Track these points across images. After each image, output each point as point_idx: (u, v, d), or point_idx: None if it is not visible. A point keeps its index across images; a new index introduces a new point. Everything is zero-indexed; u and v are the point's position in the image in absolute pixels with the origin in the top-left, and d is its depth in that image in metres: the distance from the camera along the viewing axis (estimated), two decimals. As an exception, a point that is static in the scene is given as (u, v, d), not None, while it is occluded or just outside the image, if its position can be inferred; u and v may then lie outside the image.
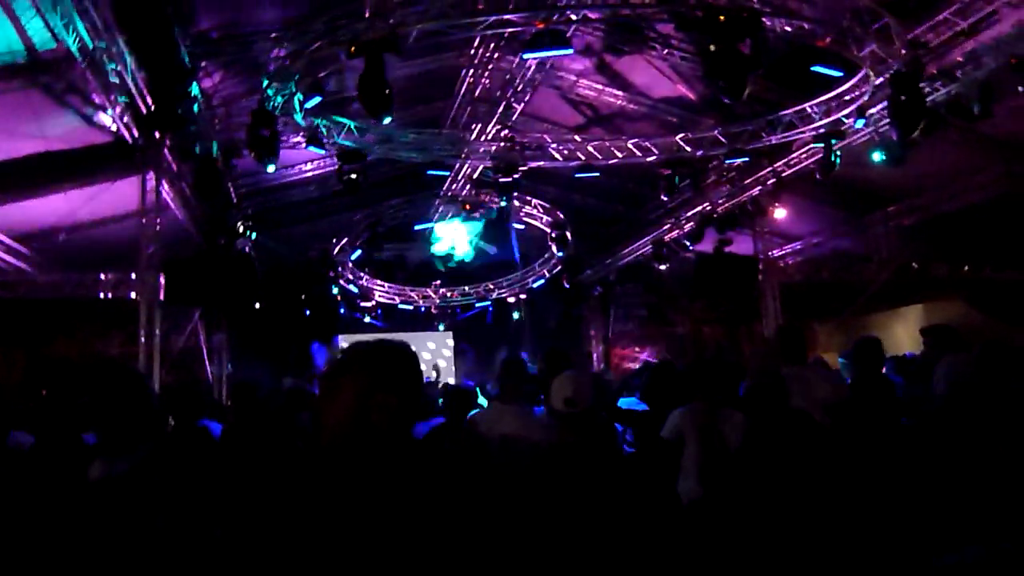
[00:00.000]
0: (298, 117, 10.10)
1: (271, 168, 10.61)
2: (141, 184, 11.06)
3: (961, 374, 3.35)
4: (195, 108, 8.88)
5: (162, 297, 11.24)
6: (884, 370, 5.22)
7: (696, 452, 3.85)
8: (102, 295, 11.93)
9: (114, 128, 9.38)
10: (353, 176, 11.29)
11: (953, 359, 3.52)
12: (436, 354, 21.83)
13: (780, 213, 13.70)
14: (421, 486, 1.78)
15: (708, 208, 14.47)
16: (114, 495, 2.08)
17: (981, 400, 3.17)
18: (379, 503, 1.69)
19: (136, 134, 9.55)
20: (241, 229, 12.75)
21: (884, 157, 10.44)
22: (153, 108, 7.84)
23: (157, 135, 9.67)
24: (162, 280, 11.22)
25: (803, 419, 3.51)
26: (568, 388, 3.31)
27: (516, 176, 12.39)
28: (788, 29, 8.13)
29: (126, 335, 12.98)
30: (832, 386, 4.31)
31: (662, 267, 16.85)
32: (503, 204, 14.45)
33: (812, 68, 8.70)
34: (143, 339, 11.11)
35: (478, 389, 8.23)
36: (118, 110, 8.90)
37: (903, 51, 8.35)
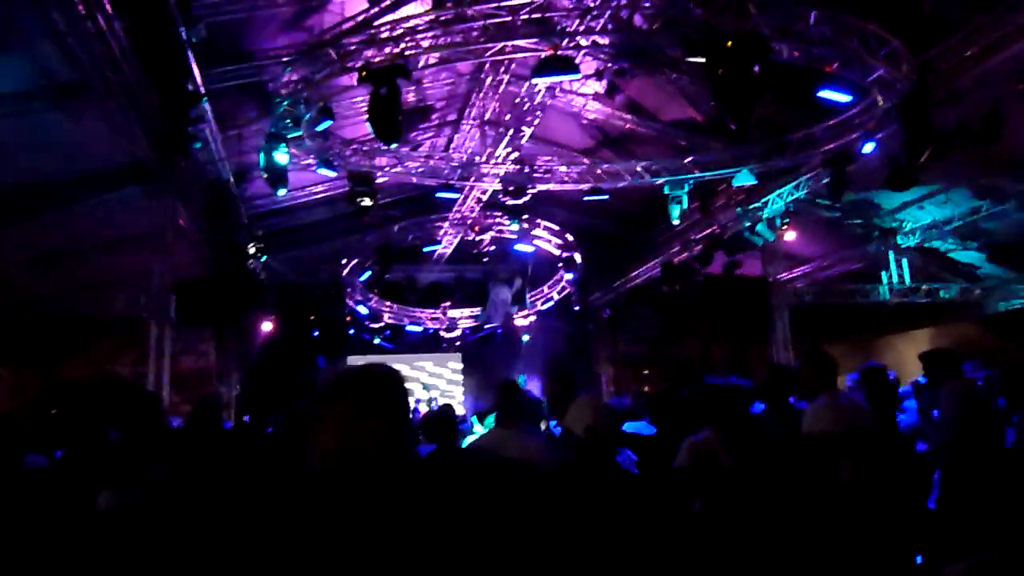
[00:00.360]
0: (308, 140, 10.21)
1: (282, 192, 10.70)
2: (154, 206, 11.19)
3: (961, 402, 3.34)
4: (206, 131, 9.00)
5: (173, 317, 11.32)
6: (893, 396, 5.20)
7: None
8: (114, 315, 12.02)
9: (128, 150, 9.52)
10: (366, 201, 11.37)
11: (954, 386, 3.51)
12: (444, 376, 21.84)
13: (790, 235, 13.66)
14: (414, 511, 1.78)
15: (717, 230, 14.47)
16: (125, 526, 2.09)
17: (985, 427, 3.16)
18: (371, 529, 1.70)
19: (149, 156, 9.68)
20: (252, 250, 12.82)
21: (891, 180, 10.42)
22: (167, 131, 7.93)
23: (170, 157, 9.78)
24: (173, 301, 11.30)
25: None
26: (589, 415, 3.31)
27: (525, 199, 12.44)
28: (796, 54, 8.18)
29: (137, 355, 13.05)
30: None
31: (671, 289, 16.82)
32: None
33: (819, 92, 8.72)
34: (153, 359, 11.18)
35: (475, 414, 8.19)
36: (132, 132, 9.02)
37: (911, 76, 8.37)
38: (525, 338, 21.17)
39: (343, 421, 1.80)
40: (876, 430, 3.88)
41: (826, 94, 8.79)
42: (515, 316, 20.28)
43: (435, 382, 21.40)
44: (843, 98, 9.23)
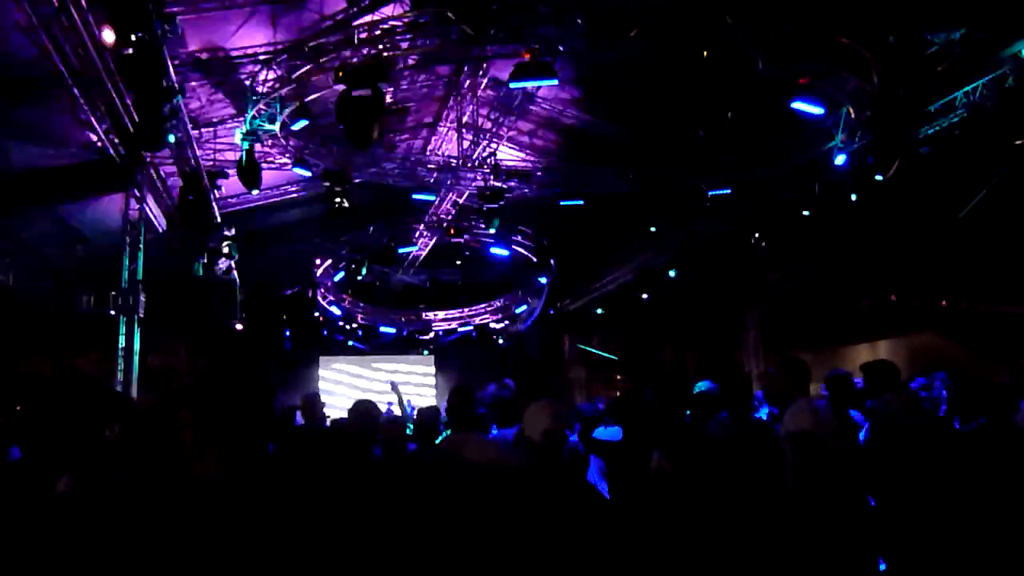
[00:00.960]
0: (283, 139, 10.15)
1: (255, 191, 10.63)
2: (124, 202, 11.05)
3: (888, 414, 3.42)
4: (180, 128, 8.91)
5: (142, 314, 11.17)
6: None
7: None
8: (82, 311, 11.84)
9: (99, 145, 9.40)
10: (344, 202, 11.32)
11: (888, 399, 3.59)
12: (418, 377, 21.80)
13: (762, 242, 13.78)
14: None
15: (689, 237, 14.59)
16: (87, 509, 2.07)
17: (908, 441, 3.23)
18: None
19: (121, 152, 9.57)
20: (224, 249, 12.69)
21: (863, 191, 10.59)
22: (137, 127, 7.84)
23: (141, 153, 9.68)
24: (143, 298, 11.15)
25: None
26: (547, 419, 3.25)
27: (501, 203, 12.46)
28: (773, 66, 8.28)
29: (103, 352, 12.85)
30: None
31: (644, 295, 16.95)
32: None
33: (792, 104, 8.85)
34: (121, 356, 11.03)
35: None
36: (103, 128, 8.91)
37: (884, 90, 8.51)
38: (500, 341, 21.19)
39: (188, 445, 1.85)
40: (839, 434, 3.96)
41: (799, 106, 8.92)
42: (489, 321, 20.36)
43: (408, 383, 21.35)
44: (815, 110, 9.37)
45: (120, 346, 11.11)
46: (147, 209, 11.32)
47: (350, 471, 3.60)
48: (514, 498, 2.93)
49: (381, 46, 7.77)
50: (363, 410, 4.69)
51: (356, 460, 4.19)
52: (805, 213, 11.78)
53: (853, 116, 9.36)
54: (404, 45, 7.82)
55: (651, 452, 3.98)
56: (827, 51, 8.15)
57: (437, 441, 5.21)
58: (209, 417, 1.84)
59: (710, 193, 12.81)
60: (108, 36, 6.52)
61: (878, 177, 9.09)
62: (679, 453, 3.24)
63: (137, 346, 11.22)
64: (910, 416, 3.50)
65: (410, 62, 8.42)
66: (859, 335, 16.51)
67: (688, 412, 5.06)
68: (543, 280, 18.39)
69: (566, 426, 3.26)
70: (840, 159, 10.14)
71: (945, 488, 3.04)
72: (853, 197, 10.49)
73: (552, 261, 17.54)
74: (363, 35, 7.69)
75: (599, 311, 19.92)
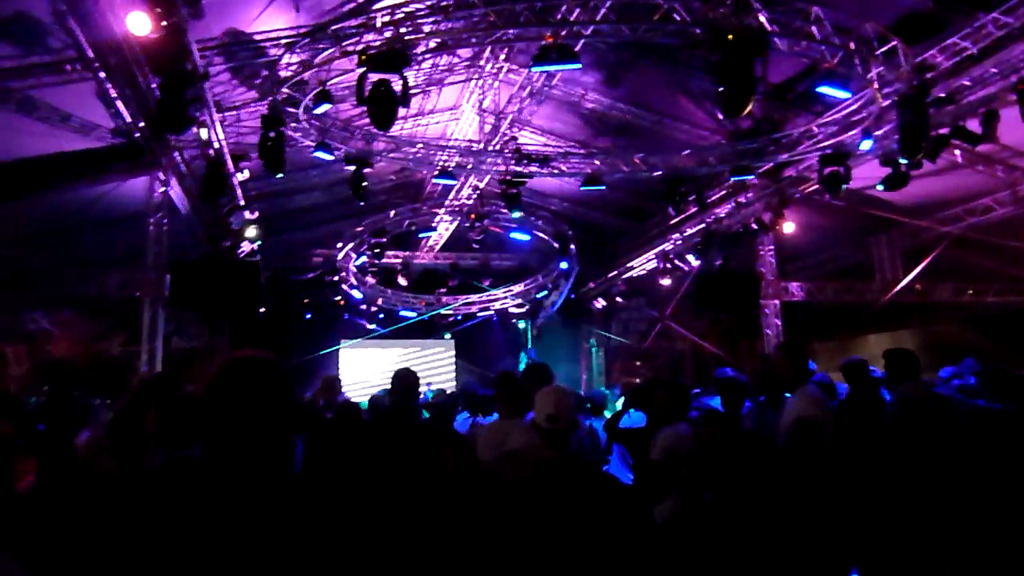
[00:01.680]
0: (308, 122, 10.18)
1: (278, 174, 10.65)
2: (149, 185, 11.17)
3: (909, 403, 3.40)
4: (204, 111, 8.96)
5: (166, 297, 11.30)
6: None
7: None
8: (107, 295, 12.00)
9: (124, 129, 9.48)
10: (364, 183, 11.35)
11: (905, 388, 3.57)
12: (438, 361, 21.89)
13: (788, 227, 13.63)
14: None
15: (712, 224, 14.49)
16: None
17: (928, 427, 3.21)
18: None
19: (146, 135, 9.64)
20: (248, 232, 12.78)
21: (888, 178, 10.45)
22: (161, 110, 7.89)
23: (165, 136, 9.75)
24: (167, 281, 11.28)
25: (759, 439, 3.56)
26: (550, 404, 3.25)
27: (522, 187, 12.43)
28: (796, 50, 8.19)
29: (128, 335, 13.03)
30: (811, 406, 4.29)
31: (664, 282, 16.88)
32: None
33: (818, 88, 8.74)
34: (146, 339, 11.17)
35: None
36: (128, 111, 8.98)
37: (910, 74, 8.38)
38: (521, 326, 21.24)
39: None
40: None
41: (825, 90, 8.80)
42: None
43: (427, 367, 21.46)
44: (842, 95, 9.25)
45: (144, 328, 11.26)
46: (171, 192, 11.42)
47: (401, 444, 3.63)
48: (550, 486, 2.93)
49: (403, 29, 7.75)
50: (403, 375, 4.78)
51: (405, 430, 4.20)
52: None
53: (880, 101, 9.22)
54: (427, 28, 7.80)
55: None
56: (852, 34, 8.05)
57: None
58: (230, 408, 1.84)
59: (732, 179, 12.73)
60: (134, 21, 6.55)
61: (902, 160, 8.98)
62: (713, 440, 3.23)
63: (161, 328, 11.36)
64: (933, 403, 3.48)
65: (432, 45, 8.38)
66: (879, 325, 16.35)
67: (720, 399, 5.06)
68: (564, 266, 18.35)
69: (570, 410, 3.24)
70: (866, 144, 10.00)
71: (978, 471, 3.01)
72: (879, 188, 10.36)
73: (572, 247, 17.49)
74: (385, 18, 7.67)
75: (619, 297, 19.86)
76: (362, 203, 12.39)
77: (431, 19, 7.71)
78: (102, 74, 7.92)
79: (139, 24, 6.49)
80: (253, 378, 1.87)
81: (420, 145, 12.54)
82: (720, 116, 10.92)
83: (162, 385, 4.29)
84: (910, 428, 3.34)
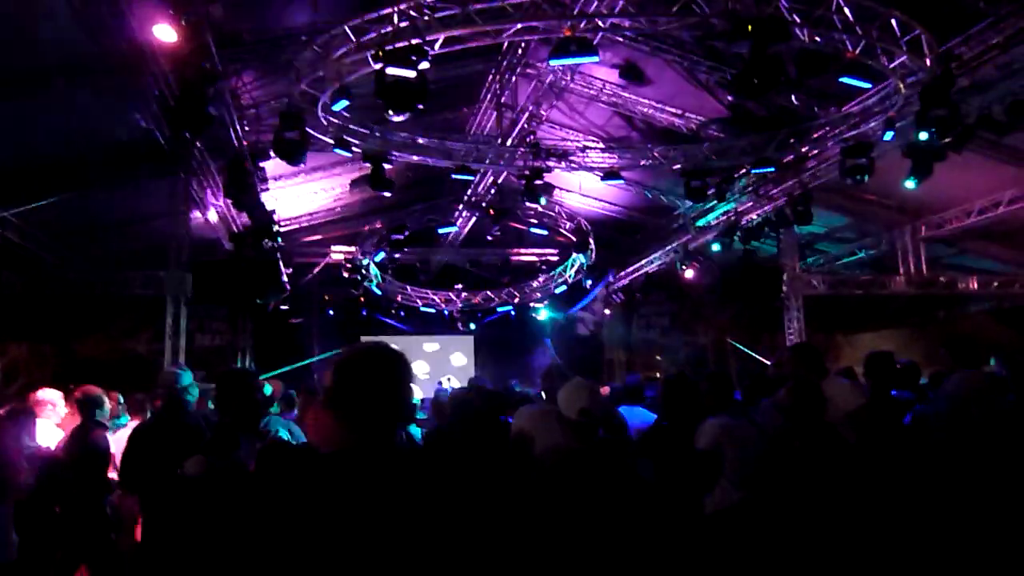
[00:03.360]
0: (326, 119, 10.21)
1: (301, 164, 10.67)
2: (171, 184, 11.26)
3: (965, 395, 3.33)
4: (223, 110, 9.02)
5: (190, 295, 11.42)
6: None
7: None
8: (132, 293, 12.13)
9: (146, 129, 9.55)
10: (384, 178, 11.37)
11: (962, 376, 3.50)
12: (458, 357, 21.96)
13: (807, 221, 13.50)
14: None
15: (734, 217, 14.39)
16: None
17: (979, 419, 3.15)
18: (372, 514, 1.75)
19: (167, 135, 9.72)
20: (269, 230, 12.87)
21: (912, 170, 10.30)
22: (182, 109, 7.94)
23: (187, 135, 9.81)
24: (190, 279, 11.40)
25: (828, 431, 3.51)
26: (584, 398, 3.24)
27: (541, 182, 12.41)
28: (818, 39, 8.09)
29: (153, 333, 13.16)
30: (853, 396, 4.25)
31: (686, 275, 16.79)
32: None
33: (841, 79, 8.62)
34: (169, 336, 11.29)
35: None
36: (150, 112, 9.05)
37: (934, 64, 8.26)
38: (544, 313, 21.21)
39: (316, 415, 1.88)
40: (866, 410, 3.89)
41: (847, 80, 8.68)
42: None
43: (447, 362, 21.53)
44: (864, 85, 9.13)
45: (168, 326, 11.38)
46: (193, 191, 11.52)
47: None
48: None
49: (421, 24, 7.74)
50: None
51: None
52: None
53: (903, 90, 9.10)
54: (444, 22, 7.79)
55: (694, 435, 3.95)
56: (876, 23, 7.94)
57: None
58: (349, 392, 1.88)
59: (753, 172, 12.62)
60: (156, 23, 6.60)
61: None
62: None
63: (184, 326, 11.48)
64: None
65: (452, 35, 8.35)
66: (908, 317, 16.18)
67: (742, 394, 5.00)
68: (583, 260, 18.31)
69: (602, 405, 3.26)
70: (889, 135, 9.87)
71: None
72: (911, 184, 10.21)
73: (591, 241, 17.44)
74: (403, 8, 7.65)
75: (640, 292, 19.80)
76: (387, 196, 12.37)
77: (448, 12, 7.70)
78: (123, 72, 7.96)
79: (161, 28, 6.54)
80: (384, 365, 1.92)
81: (438, 141, 12.53)
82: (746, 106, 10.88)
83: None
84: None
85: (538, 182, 12.19)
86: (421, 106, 7.81)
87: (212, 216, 12.40)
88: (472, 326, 21.26)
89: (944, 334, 15.01)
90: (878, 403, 4.25)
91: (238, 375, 4.35)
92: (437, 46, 8.05)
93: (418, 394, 15.99)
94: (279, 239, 13.39)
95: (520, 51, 11.23)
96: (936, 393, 5.24)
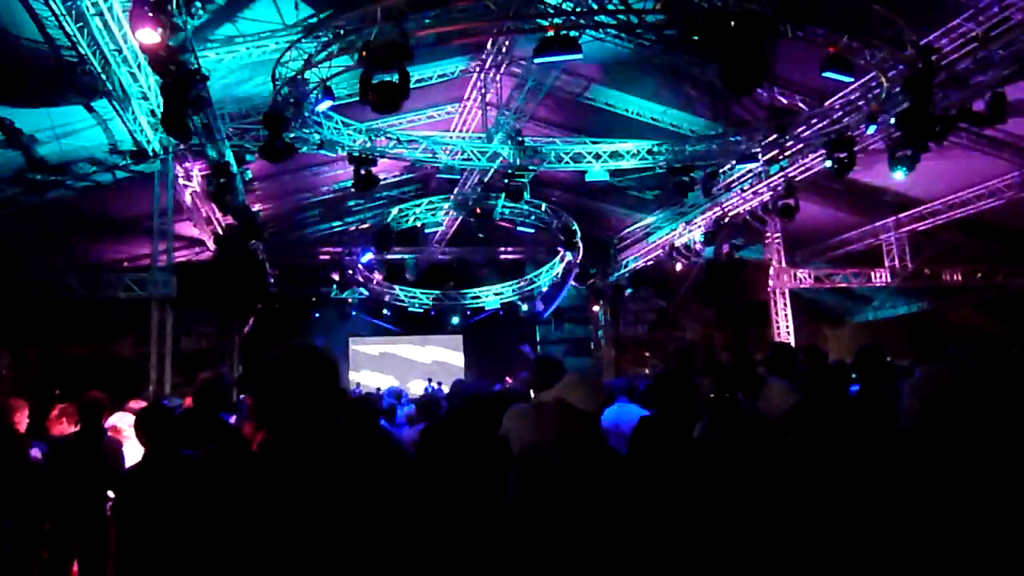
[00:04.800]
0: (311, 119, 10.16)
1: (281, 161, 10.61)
2: (155, 187, 11.18)
3: (934, 391, 3.37)
4: (207, 112, 8.96)
5: (174, 298, 11.33)
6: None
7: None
8: (116, 296, 12.04)
9: (129, 132, 9.49)
10: (367, 175, 11.32)
11: (927, 370, 3.54)
12: (447, 356, 21.92)
13: (792, 216, 13.57)
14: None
15: (719, 213, 14.44)
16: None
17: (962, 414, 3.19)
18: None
19: (150, 138, 9.66)
20: (254, 231, 12.81)
21: (895, 162, 10.37)
22: (164, 112, 7.89)
23: (170, 139, 9.75)
24: (175, 282, 11.31)
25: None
26: (582, 390, 3.28)
27: (527, 179, 12.40)
28: (800, 33, 8.11)
29: (138, 336, 13.09)
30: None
31: (673, 270, 16.83)
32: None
33: (823, 74, 8.65)
34: (155, 339, 11.21)
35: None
36: (133, 113, 9.00)
37: (915, 57, 8.30)
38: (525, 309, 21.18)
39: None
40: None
41: (830, 75, 8.71)
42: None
43: (435, 362, 21.51)
44: (847, 79, 9.16)
45: (153, 330, 11.30)
46: (177, 193, 11.45)
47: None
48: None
49: (404, 24, 7.70)
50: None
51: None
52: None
53: (885, 84, 9.14)
54: (428, 20, 7.75)
55: (690, 431, 3.96)
56: (858, 18, 7.97)
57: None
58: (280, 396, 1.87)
59: (736, 168, 12.67)
60: (138, 28, 6.53)
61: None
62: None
63: (169, 329, 11.40)
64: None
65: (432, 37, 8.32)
66: (894, 309, 16.29)
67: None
68: (569, 257, 18.31)
69: (600, 402, 3.29)
70: (871, 128, 9.93)
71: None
72: (900, 175, 10.26)
73: (578, 238, 17.44)
74: (386, 12, 7.61)
75: (627, 288, 19.82)
76: (369, 197, 12.36)
77: (432, 11, 7.67)
78: (104, 75, 7.91)
79: (144, 31, 6.47)
80: (308, 365, 1.92)
81: (423, 140, 12.49)
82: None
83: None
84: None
85: (522, 180, 12.19)
86: (406, 103, 7.78)
87: (196, 218, 12.33)
88: (455, 321, 21.19)
89: (930, 326, 15.12)
90: (868, 398, 4.27)
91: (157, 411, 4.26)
92: (422, 44, 8.01)
93: (414, 391, 16.05)
94: (264, 240, 13.35)
95: (504, 49, 11.21)
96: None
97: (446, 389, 9.84)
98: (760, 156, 11.95)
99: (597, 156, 12.66)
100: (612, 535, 2.91)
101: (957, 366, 3.85)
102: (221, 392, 4.78)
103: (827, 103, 10.68)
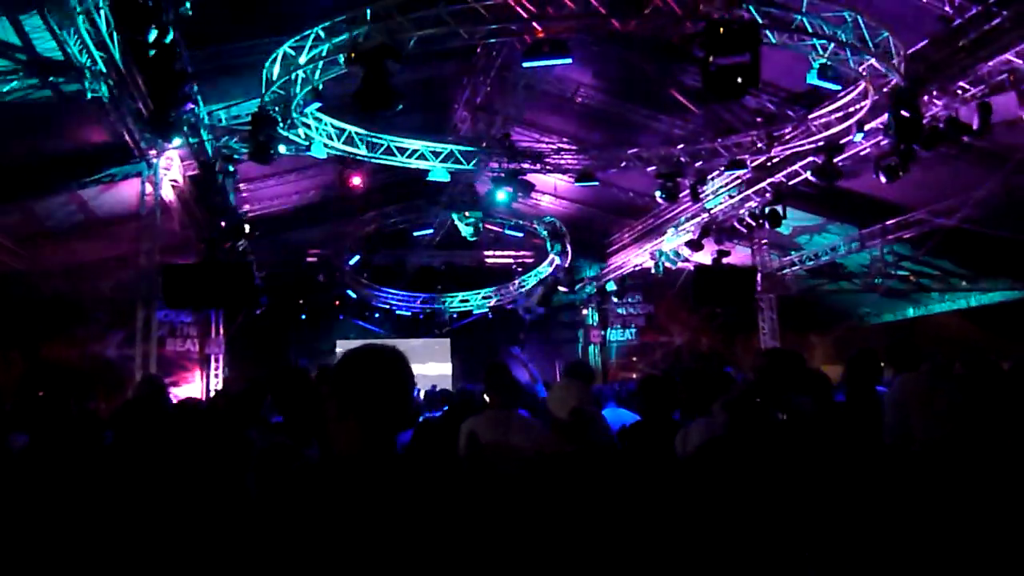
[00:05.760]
0: (299, 121, 10.12)
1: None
2: (141, 186, 11.09)
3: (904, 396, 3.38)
4: (195, 112, 8.91)
5: (160, 299, 11.24)
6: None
7: None
8: (101, 297, 11.95)
9: (116, 130, 9.42)
10: (356, 181, 11.31)
11: (903, 378, 3.56)
12: (434, 359, 21.85)
13: (779, 223, 13.63)
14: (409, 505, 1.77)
15: (707, 219, 14.48)
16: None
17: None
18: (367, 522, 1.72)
19: (137, 137, 9.59)
20: (240, 233, 12.73)
21: (882, 170, 10.43)
22: (152, 112, 7.85)
23: (157, 139, 9.69)
24: (160, 283, 11.21)
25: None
26: (574, 398, 3.28)
27: (515, 183, 12.40)
28: (788, 42, 8.15)
29: (123, 338, 12.98)
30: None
31: (660, 276, 16.88)
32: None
33: (811, 81, 8.71)
34: (139, 341, 11.11)
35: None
36: (119, 112, 8.92)
37: (903, 66, 8.36)
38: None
39: (328, 420, 1.83)
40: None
41: (818, 83, 8.77)
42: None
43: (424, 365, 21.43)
44: (834, 88, 9.22)
45: (138, 331, 11.20)
46: (163, 193, 11.36)
47: None
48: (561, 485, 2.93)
49: (392, 27, 7.69)
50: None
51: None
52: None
53: (873, 94, 9.20)
54: (417, 23, 7.74)
55: (673, 437, 3.96)
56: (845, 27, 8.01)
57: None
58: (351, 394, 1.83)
59: (726, 173, 12.71)
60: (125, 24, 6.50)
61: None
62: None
63: (155, 331, 11.30)
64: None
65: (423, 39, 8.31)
66: (879, 315, 16.38)
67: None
68: (557, 262, 18.32)
69: (591, 405, 3.29)
70: (859, 136, 9.99)
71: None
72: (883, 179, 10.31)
73: (567, 242, 17.46)
74: (374, 14, 7.61)
75: (615, 293, 19.85)
76: (355, 202, 12.32)
77: (420, 14, 7.66)
78: (90, 75, 7.84)
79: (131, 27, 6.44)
80: (386, 366, 1.94)
81: (414, 143, 12.46)
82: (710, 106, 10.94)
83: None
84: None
85: (513, 184, 12.18)
86: (395, 108, 7.77)
87: (182, 218, 12.24)
88: (443, 324, 21.14)
89: (915, 332, 15.22)
90: (857, 404, 4.28)
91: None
92: (410, 47, 8.00)
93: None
94: (251, 242, 13.27)
95: (494, 53, 11.21)
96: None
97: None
98: (748, 162, 12.02)
99: (585, 160, 12.68)
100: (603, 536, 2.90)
101: (935, 371, 3.87)
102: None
103: (815, 110, 10.74)
